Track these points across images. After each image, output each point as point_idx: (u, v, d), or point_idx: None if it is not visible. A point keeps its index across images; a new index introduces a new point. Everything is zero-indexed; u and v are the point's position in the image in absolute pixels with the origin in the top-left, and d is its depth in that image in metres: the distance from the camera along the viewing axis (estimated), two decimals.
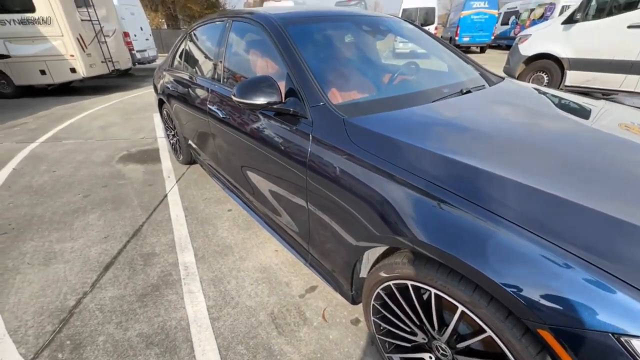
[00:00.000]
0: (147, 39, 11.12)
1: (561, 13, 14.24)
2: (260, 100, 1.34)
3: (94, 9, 7.36)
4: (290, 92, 1.40)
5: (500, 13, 17.89)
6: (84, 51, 7.03)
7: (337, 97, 1.43)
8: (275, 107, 1.36)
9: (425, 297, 1.00)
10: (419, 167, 0.95)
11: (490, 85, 1.73)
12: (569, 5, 14.25)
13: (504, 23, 17.91)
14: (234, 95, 1.41)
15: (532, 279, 0.69)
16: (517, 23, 16.86)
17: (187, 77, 2.58)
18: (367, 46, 2.02)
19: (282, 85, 1.44)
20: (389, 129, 1.13)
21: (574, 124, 1.33)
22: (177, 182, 2.99)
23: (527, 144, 1.06)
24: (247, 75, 2.03)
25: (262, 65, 1.88)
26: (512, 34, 17.21)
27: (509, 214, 0.77)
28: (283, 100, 1.36)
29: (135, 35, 10.25)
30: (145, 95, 7.42)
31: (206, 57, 2.44)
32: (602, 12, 4.82)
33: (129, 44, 9.52)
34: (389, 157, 1.02)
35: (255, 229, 2.24)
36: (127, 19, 9.83)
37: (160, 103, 3.29)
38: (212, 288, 1.73)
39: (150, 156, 3.64)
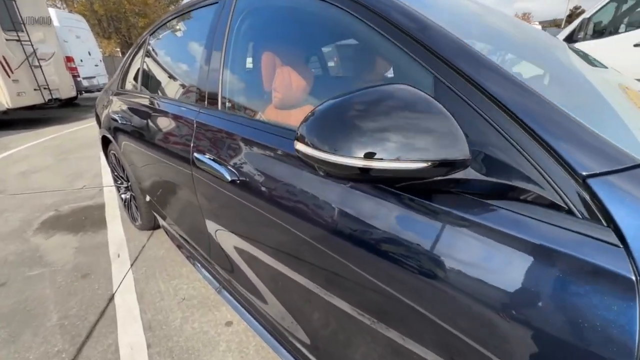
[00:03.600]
0: (96, 65, 9.80)
1: None
2: (413, 162, 0.43)
3: (26, 30, 6.07)
4: (478, 137, 0.50)
5: None
6: (9, 77, 5.65)
7: None
8: (453, 176, 0.45)
9: None
10: None
11: None
12: None
13: None
14: (307, 144, 0.50)
15: None
16: None
17: (148, 103, 1.60)
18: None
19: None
20: None
21: None
22: (132, 265, 1.88)
23: None
24: (276, 94, 1.11)
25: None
26: None
27: None
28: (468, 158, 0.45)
29: (81, 61, 8.93)
30: (90, 128, 6.11)
31: (186, 69, 1.49)
32: (603, 31, 4.66)
33: (72, 69, 8.18)
34: None
35: None
36: (70, 42, 8.52)
37: (105, 142, 2.22)
38: None
39: (90, 218, 2.48)
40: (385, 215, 0.56)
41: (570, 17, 36.68)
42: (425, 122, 0.44)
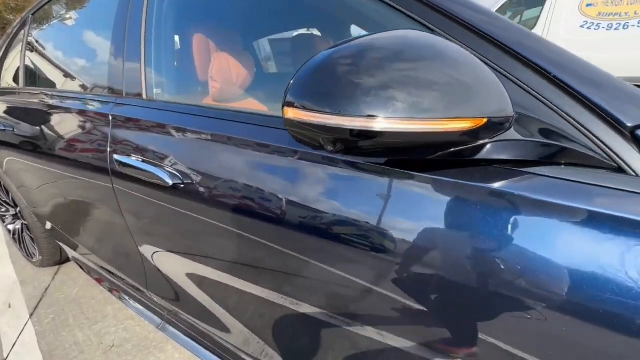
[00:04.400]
0: None
1: None
2: (458, 121, 0.34)
3: None
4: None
5: None
6: None
7: None
8: (485, 141, 0.37)
9: None
10: None
11: None
12: None
13: None
14: (303, 107, 0.36)
15: None
16: None
17: (37, 101, 1.23)
18: None
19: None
20: None
21: None
22: (31, 316, 1.43)
23: None
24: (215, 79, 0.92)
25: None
26: None
27: None
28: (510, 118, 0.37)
29: None
30: None
31: (92, 51, 1.18)
32: None
33: None
34: None
35: None
36: None
37: None
38: None
39: None
40: (396, 209, 0.45)
41: None
42: (458, 72, 0.34)
